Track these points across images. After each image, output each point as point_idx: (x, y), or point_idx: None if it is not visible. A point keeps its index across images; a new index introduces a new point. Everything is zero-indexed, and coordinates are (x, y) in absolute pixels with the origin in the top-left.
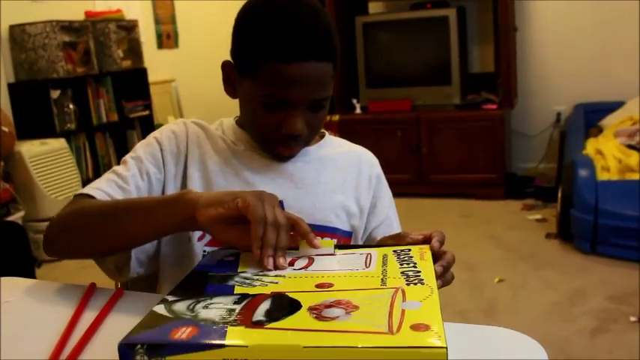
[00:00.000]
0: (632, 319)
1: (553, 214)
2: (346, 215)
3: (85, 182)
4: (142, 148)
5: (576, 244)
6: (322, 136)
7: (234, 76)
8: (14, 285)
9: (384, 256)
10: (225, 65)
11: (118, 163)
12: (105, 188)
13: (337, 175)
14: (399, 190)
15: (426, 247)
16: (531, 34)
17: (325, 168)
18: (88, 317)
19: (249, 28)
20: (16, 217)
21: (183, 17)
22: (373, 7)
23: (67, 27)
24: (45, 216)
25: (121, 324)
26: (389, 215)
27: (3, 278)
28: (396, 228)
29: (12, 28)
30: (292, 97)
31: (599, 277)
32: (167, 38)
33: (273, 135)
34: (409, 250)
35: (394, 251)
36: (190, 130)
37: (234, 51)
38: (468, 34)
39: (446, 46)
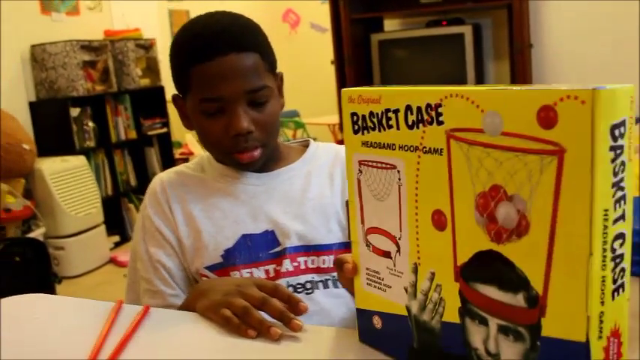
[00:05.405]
0: None
1: None
2: (339, 226)
3: (105, 200)
4: (141, 235)
5: None
6: (306, 146)
7: (182, 105)
8: (41, 301)
9: None
10: (173, 98)
11: (137, 180)
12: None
13: (324, 185)
14: None
15: None
16: (547, 50)
17: (311, 182)
18: (117, 333)
19: (174, 48)
20: (37, 233)
21: None
22: (389, 25)
23: (87, 46)
24: (65, 233)
25: (149, 341)
26: None
27: (29, 295)
28: None
29: (33, 47)
30: (224, 92)
31: None
32: None
33: (225, 144)
34: None
35: None
36: (168, 187)
37: (173, 79)
38: (484, 51)
39: (461, 63)
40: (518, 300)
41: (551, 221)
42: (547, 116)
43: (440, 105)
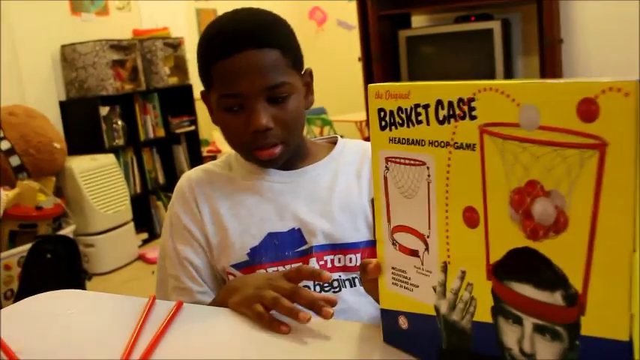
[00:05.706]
0: None
1: None
2: (366, 225)
3: (133, 197)
4: (169, 233)
5: None
6: (334, 142)
7: (208, 101)
8: (73, 297)
9: None
10: (202, 94)
11: (165, 178)
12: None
13: (352, 183)
14: None
15: None
16: (578, 46)
17: (338, 180)
18: (151, 328)
19: (198, 46)
20: (67, 231)
21: None
22: (416, 21)
23: (116, 45)
24: (94, 230)
25: (183, 336)
26: None
27: (62, 291)
28: None
29: (63, 47)
30: (243, 89)
31: None
32: None
33: (245, 140)
34: None
35: None
36: (196, 185)
37: (199, 76)
38: (513, 47)
39: (490, 58)
40: (556, 298)
41: (592, 217)
42: (588, 109)
43: (473, 99)
